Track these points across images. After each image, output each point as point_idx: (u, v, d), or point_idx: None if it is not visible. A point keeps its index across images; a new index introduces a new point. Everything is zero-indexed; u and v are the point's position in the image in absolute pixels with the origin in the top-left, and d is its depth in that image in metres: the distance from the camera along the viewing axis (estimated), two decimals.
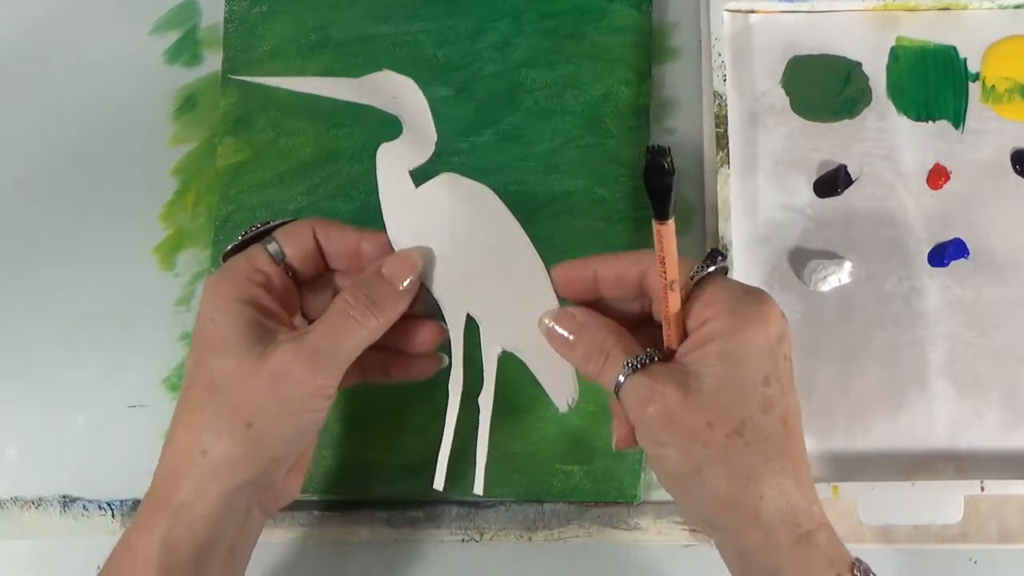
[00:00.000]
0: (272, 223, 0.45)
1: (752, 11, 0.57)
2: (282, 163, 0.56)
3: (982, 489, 0.51)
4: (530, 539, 0.53)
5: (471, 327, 0.46)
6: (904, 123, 0.56)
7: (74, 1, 0.59)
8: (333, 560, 0.54)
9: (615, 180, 0.55)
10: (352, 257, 0.45)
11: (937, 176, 0.55)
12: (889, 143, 0.56)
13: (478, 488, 0.47)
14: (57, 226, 0.57)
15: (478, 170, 0.50)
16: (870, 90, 0.56)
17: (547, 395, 0.47)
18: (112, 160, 0.57)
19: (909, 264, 0.55)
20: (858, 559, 0.40)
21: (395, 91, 0.47)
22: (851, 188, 0.55)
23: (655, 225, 0.38)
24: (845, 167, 0.55)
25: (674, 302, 0.40)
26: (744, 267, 0.54)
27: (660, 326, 0.42)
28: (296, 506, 0.53)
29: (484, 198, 0.46)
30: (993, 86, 0.56)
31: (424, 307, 0.46)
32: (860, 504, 0.51)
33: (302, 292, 0.46)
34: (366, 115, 0.55)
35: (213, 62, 0.58)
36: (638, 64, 0.56)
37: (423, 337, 0.46)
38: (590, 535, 0.53)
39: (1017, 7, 0.57)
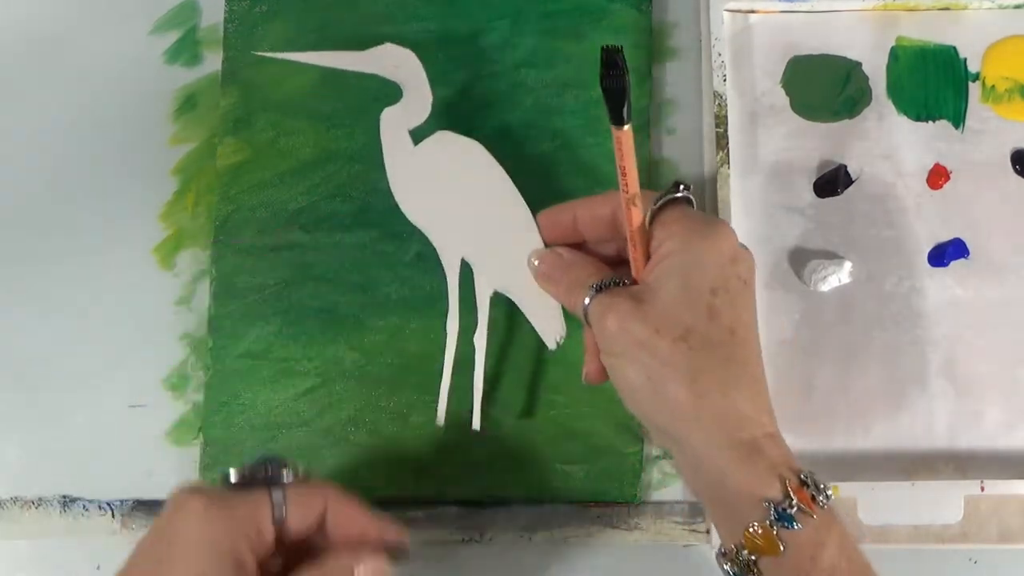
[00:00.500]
0: (282, 463, 0.42)
1: (752, 11, 0.57)
2: (282, 163, 0.56)
3: (982, 489, 0.51)
4: (530, 539, 0.53)
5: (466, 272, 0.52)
6: (904, 123, 0.56)
7: (74, 1, 0.59)
8: None
9: (615, 180, 0.55)
10: (353, 537, 0.43)
11: (937, 176, 0.55)
12: (889, 143, 0.56)
13: (476, 424, 0.52)
14: (57, 226, 0.57)
15: None
16: (870, 90, 0.56)
17: (537, 333, 0.51)
18: (112, 160, 0.57)
19: (909, 264, 0.55)
20: (810, 471, 0.40)
21: (396, 61, 0.53)
22: (851, 188, 0.55)
23: (614, 132, 0.41)
24: (845, 167, 0.55)
25: (636, 217, 0.43)
26: None
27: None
28: None
29: (476, 153, 0.51)
30: (993, 86, 0.56)
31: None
32: (860, 504, 0.51)
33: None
34: (366, 115, 0.55)
35: (213, 62, 0.58)
36: (638, 64, 0.56)
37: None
38: (590, 535, 0.53)
39: (1017, 7, 0.57)
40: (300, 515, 0.41)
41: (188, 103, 0.58)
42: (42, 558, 0.54)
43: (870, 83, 0.56)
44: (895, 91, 0.56)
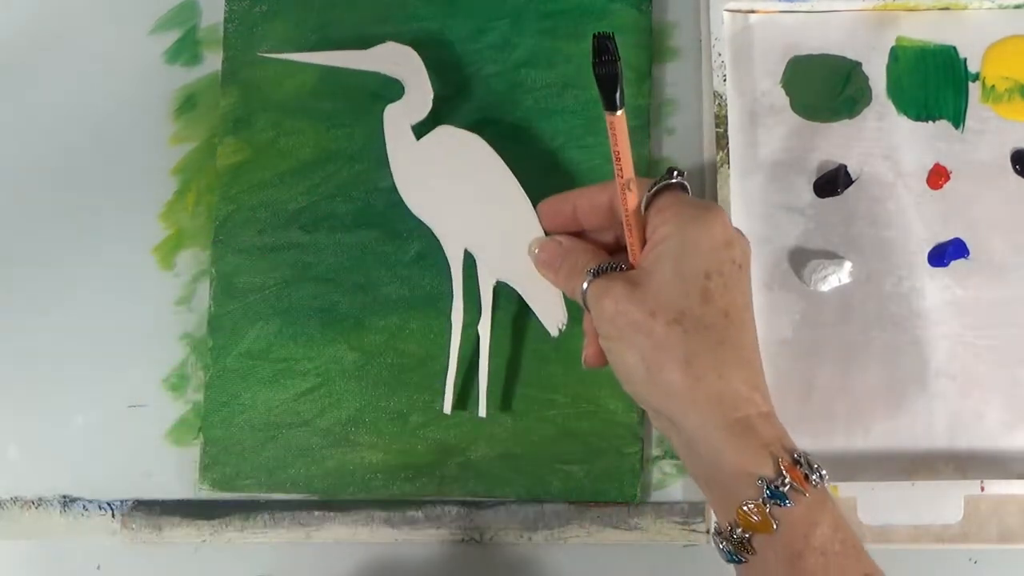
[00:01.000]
0: None
1: (752, 11, 0.57)
2: (282, 163, 0.56)
3: (982, 489, 0.51)
4: (530, 539, 0.53)
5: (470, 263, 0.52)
6: (904, 123, 0.56)
7: (74, 1, 0.59)
8: (333, 560, 0.54)
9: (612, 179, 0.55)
10: None
11: (937, 176, 0.55)
12: (889, 143, 0.56)
13: (481, 411, 0.52)
14: (57, 226, 0.57)
15: None
16: (870, 90, 0.56)
17: (539, 321, 0.52)
18: (112, 160, 0.57)
19: (909, 264, 0.55)
20: (804, 452, 0.41)
21: (397, 58, 0.53)
22: (851, 188, 0.55)
23: (607, 118, 0.42)
24: (845, 167, 0.55)
25: (631, 201, 0.44)
26: None
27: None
28: (296, 506, 0.53)
29: (477, 146, 0.52)
30: (993, 86, 0.56)
31: None
32: (860, 504, 0.51)
33: None
34: (366, 115, 0.55)
35: (213, 62, 0.58)
36: (638, 64, 0.56)
37: None
38: (590, 535, 0.53)
39: (1017, 7, 0.57)
40: None
41: (188, 103, 0.58)
42: (42, 558, 0.54)
43: (870, 83, 0.56)
44: (895, 91, 0.56)
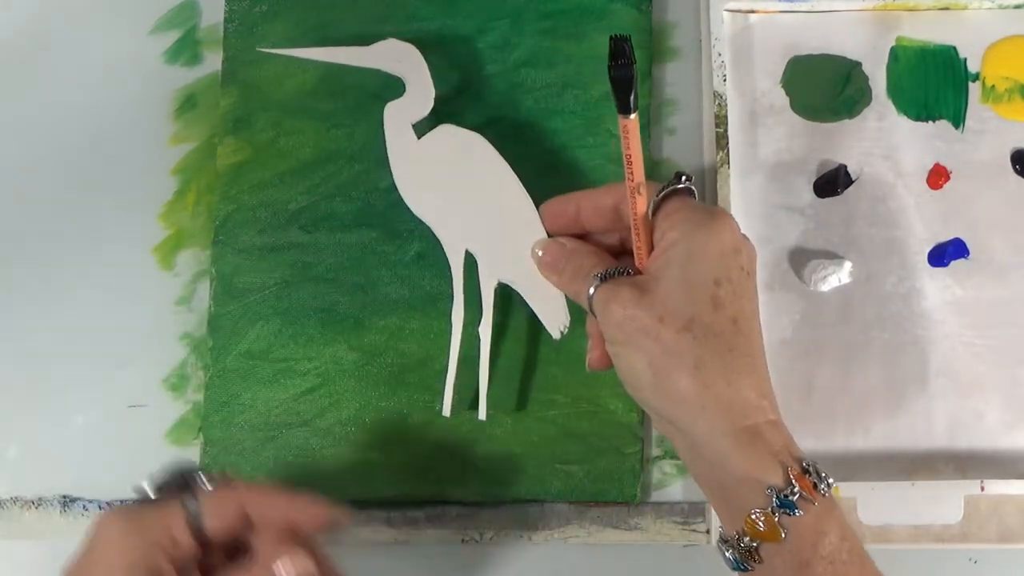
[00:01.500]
0: (199, 476, 0.42)
1: (752, 11, 0.57)
2: (282, 163, 0.56)
3: (982, 489, 0.51)
4: (530, 539, 0.53)
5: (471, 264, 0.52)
6: (904, 123, 0.56)
7: (74, 1, 0.59)
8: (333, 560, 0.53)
9: (616, 180, 0.55)
10: (281, 523, 0.43)
11: (937, 176, 0.55)
12: (889, 143, 0.56)
13: (481, 414, 0.52)
14: (57, 226, 0.57)
15: None
16: (870, 90, 0.56)
17: (542, 324, 0.51)
18: (112, 160, 0.57)
19: (909, 264, 0.55)
20: (812, 460, 0.41)
21: (399, 55, 0.53)
22: (851, 188, 0.55)
23: (620, 121, 0.42)
24: (845, 167, 0.55)
25: (640, 205, 0.44)
26: None
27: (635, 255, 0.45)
28: None
29: (478, 145, 0.52)
30: (993, 86, 0.56)
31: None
32: (860, 504, 0.51)
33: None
34: (366, 115, 0.55)
35: (213, 62, 0.58)
36: (638, 64, 0.56)
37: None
38: (590, 535, 0.53)
39: (1017, 7, 0.57)
40: (217, 519, 0.41)
41: (188, 103, 0.58)
42: (42, 558, 0.54)
43: (870, 83, 0.56)
44: (895, 91, 0.56)
